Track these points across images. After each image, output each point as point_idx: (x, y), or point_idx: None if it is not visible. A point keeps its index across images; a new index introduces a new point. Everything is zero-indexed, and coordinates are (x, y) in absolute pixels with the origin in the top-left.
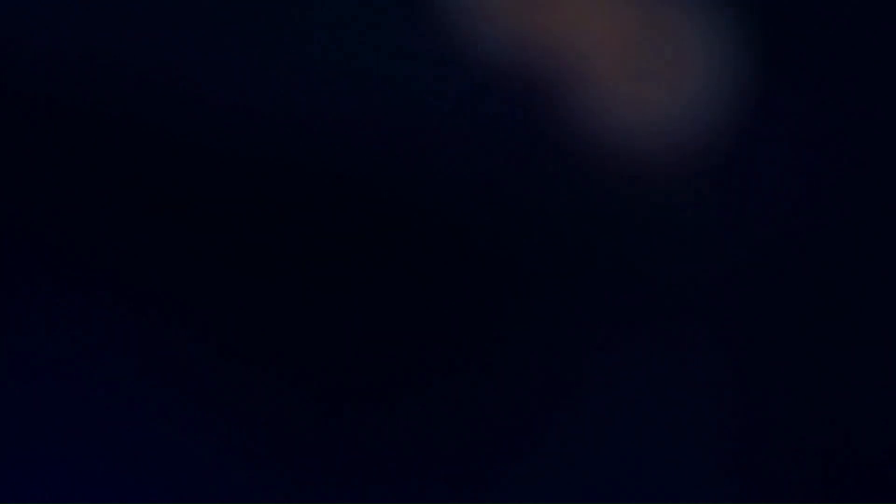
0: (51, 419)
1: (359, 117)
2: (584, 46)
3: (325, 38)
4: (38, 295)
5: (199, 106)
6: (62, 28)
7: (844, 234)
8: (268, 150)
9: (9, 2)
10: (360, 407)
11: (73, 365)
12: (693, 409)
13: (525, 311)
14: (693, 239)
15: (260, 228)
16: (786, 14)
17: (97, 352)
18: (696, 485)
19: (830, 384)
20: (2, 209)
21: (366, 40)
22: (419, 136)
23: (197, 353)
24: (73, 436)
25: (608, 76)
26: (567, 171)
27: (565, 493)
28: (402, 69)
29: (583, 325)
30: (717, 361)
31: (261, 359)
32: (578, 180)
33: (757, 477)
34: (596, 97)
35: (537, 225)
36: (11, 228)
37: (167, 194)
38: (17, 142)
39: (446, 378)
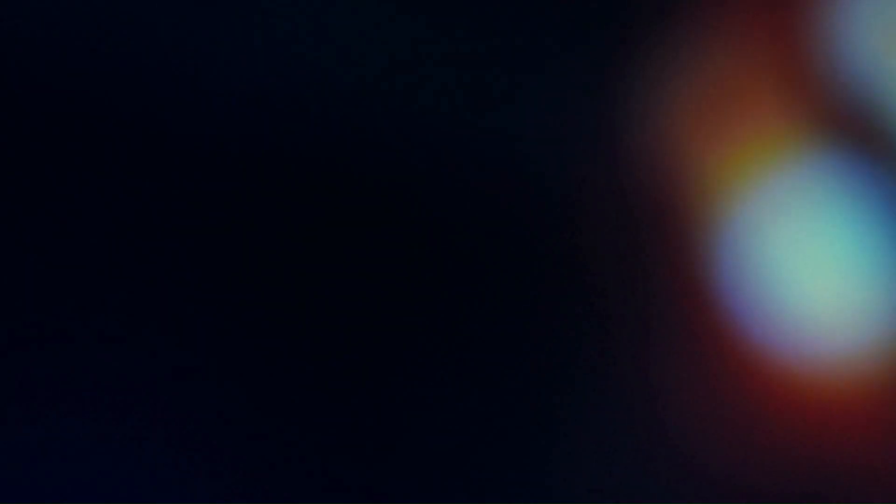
0: (51, 419)
1: (360, 116)
2: None
3: (324, 36)
4: (38, 293)
5: (195, 102)
6: (59, 24)
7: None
8: (273, 147)
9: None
10: (358, 407)
11: (72, 363)
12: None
13: (528, 311)
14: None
15: (259, 227)
16: None
17: (95, 350)
18: (697, 484)
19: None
20: (1, 209)
21: (365, 40)
22: (418, 135)
23: (195, 353)
24: (73, 436)
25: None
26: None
27: (562, 493)
28: (402, 68)
29: (586, 325)
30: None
31: (263, 358)
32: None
33: (758, 476)
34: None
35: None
36: (11, 228)
37: (166, 191)
38: (16, 140)
39: (448, 379)
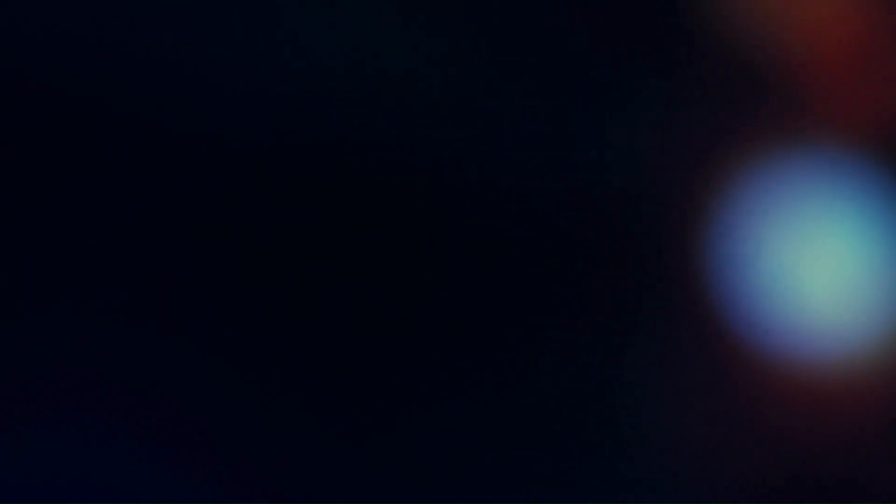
0: (50, 420)
1: (364, 112)
2: None
3: (327, 33)
4: (38, 293)
5: (196, 102)
6: (59, 24)
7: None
8: (275, 146)
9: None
10: (361, 407)
11: (73, 363)
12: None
13: (529, 309)
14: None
15: (262, 227)
16: None
17: (95, 350)
18: (698, 484)
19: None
20: (1, 209)
21: (369, 37)
22: (421, 136)
23: (196, 353)
24: (73, 435)
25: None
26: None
27: (561, 493)
28: (407, 65)
29: (589, 323)
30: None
31: (263, 359)
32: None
33: (757, 476)
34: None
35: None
36: (11, 228)
37: (166, 191)
38: (16, 140)
39: (451, 379)
